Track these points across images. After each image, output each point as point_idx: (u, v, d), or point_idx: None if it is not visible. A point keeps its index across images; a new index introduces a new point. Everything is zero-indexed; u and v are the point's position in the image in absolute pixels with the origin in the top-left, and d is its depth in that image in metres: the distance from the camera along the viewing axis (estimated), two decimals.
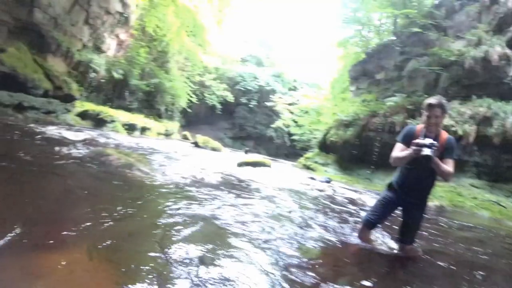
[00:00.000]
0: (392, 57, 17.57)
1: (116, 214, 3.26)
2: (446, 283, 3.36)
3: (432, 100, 3.42)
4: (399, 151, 3.55)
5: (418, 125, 3.64)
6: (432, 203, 9.13)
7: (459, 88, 13.21)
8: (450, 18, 15.74)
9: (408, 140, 3.48)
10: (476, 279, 3.49)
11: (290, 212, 5.09)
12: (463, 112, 11.65)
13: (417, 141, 3.24)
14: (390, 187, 3.79)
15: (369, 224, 3.79)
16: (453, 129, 11.33)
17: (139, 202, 4.02)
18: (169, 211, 3.71)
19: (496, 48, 11.71)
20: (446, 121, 11.68)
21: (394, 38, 19.41)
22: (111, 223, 2.98)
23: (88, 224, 2.84)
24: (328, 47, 30.30)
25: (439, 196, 10.21)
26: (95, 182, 4.69)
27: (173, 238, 2.92)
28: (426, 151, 3.13)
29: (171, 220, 3.42)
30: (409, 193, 3.59)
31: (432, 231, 5.44)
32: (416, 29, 15.82)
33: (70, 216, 3.10)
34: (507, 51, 11.47)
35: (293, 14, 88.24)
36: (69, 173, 4.88)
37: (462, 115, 11.59)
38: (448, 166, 3.30)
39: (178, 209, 3.88)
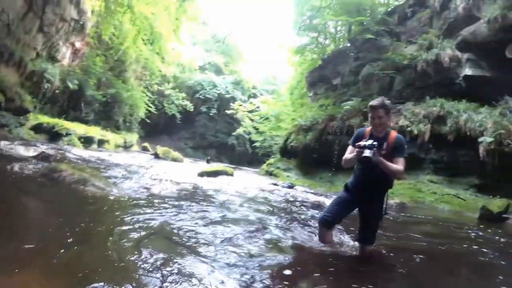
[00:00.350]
0: (347, 62, 18.19)
1: (67, 232, 3.14)
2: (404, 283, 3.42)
3: (374, 102, 3.54)
4: (348, 153, 3.68)
5: (368, 127, 3.70)
6: (393, 200, 9.44)
7: (412, 90, 13.89)
8: (403, 24, 16.57)
9: (356, 141, 3.59)
10: (435, 271, 3.64)
11: (247, 217, 5.06)
12: (417, 113, 12.22)
13: (358, 143, 3.40)
14: (346, 187, 3.84)
15: (325, 222, 3.76)
16: (409, 129, 11.90)
17: (91, 219, 3.88)
18: (120, 226, 3.60)
19: (447, 51, 12.42)
20: (401, 121, 12.29)
21: (349, 44, 20.14)
22: (61, 242, 2.88)
23: (35, 244, 2.76)
24: (285, 53, 30.73)
25: (400, 193, 10.63)
26: (46, 200, 4.55)
27: (125, 250, 2.89)
28: (366, 153, 3.26)
29: (121, 235, 3.31)
30: (363, 193, 3.63)
31: (391, 226, 5.63)
32: (370, 36, 16.47)
33: (16, 237, 2.96)
34: (458, 53, 12.18)
35: (250, 20, 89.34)
36: (19, 192, 4.70)
37: (417, 115, 12.16)
38: (398, 164, 3.37)
39: (130, 223, 3.78)
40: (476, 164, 10.01)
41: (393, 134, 3.53)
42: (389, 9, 18.73)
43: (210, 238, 3.60)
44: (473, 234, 5.91)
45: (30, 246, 2.67)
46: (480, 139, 9.72)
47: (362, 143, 3.36)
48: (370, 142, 3.31)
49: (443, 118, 11.40)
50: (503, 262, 4.18)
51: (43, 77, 15.00)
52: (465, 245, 4.86)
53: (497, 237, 5.72)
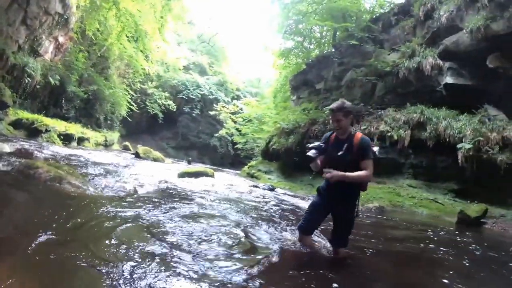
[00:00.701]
0: (331, 67, 18.38)
1: (38, 231, 3.07)
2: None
3: (333, 105, 3.62)
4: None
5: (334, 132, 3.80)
6: (372, 204, 9.60)
7: (394, 96, 14.15)
8: (387, 32, 16.89)
9: (325, 145, 3.73)
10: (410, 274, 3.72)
11: (223, 216, 5.04)
12: (398, 118, 12.47)
13: (307, 144, 3.70)
14: (318, 191, 3.88)
15: (302, 230, 3.88)
16: (389, 134, 12.13)
17: (63, 217, 3.78)
18: (91, 226, 3.56)
19: (428, 59, 12.67)
20: (382, 126, 12.50)
21: (334, 50, 20.37)
22: (32, 240, 2.83)
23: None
24: (270, 56, 30.86)
25: (379, 197, 10.79)
26: (20, 197, 4.45)
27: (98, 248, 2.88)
28: (310, 153, 3.55)
29: (89, 229, 3.30)
30: (333, 196, 3.65)
31: (367, 229, 5.69)
32: (354, 42, 16.71)
33: None
34: (439, 61, 12.43)
35: (236, 22, 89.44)
36: None
37: (397, 121, 12.41)
38: (368, 167, 3.42)
39: (102, 222, 3.75)
40: (454, 170, 10.25)
41: (358, 135, 3.56)
42: (374, 17, 19.06)
43: (179, 233, 3.67)
44: (448, 237, 6.05)
45: None
46: (459, 146, 9.97)
47: (309, 145, 3.69)
48: (316, 144, 3.66)
49: (423, 124, 11.66)
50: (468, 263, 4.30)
51: (24, 72, 14.64)
52: (442, 248, 4.94)
53: (471, 240, 5.87)
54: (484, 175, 9.40)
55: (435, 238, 5.90)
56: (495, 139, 9.30)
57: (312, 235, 4.06)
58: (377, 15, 19.23)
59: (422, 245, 5.17)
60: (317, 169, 3.75)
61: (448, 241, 5.77)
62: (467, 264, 4.30)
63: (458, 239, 6.05)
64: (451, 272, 3.80)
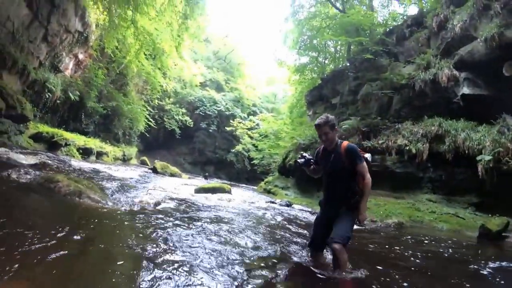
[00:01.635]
0: (346, 82, 18.32)
1: (58, 247, 3.08)
2: None
3: (318, 120, 3.79)
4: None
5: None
6: (391, 220, 9.39)
7: (410, 109, 13.95)
8: (401, 45, 16.78)
9: (316, 158, 4.03)
10: None
11: (241, 235, 4.96)
12: (415, 132, 12.27)
13: (300, 152, 4.17)
14: (320, 205, 4.07)
15: (311, 246, 4.02)
16: (407, 147, 11.94)
17: (83, 232, 3.77)
18: (107, 240, 3.60)
19: (444, 70, 12.50)
20: (400, 140, 12.31)
21: (348, 64, 20.37)
22: (51, 256, 2.85)
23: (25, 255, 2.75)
24: (285, 72, 31.07)
25: (398, 213, 10.56)
26: (39, 210, 4.52)
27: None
28: (299, 161, 4.06)
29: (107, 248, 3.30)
30: (330, 205, 3.82)
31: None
32: (368, 56, 16.67)
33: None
34: (455, 72, 12.25)
35: (251, 39, 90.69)
36: (13, 201, 4.66)
37: (415, 134, 12.21)
38: (362, 171, 3.62)
39: (123, 238, 3.77)
40: (474, 183, 9.97)
41: (344, 144, 3.76)
42: (388, 30, 19.03)
43: (199, 252, 3.63)
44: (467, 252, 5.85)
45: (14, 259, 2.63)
46: (478, 158, 9.70)
47: (303, 153, 4.13)
48: (303, 154, 4.12)
49: (441, 137, 11.43)
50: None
51: (45, 87, 15.04)
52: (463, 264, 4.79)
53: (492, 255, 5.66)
54: (505, 187, 9.07)
55: (456, 255, 5.70)
56: None
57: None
58: (391, 28, 19.21)
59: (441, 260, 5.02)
60: (312, 174, 4.13)
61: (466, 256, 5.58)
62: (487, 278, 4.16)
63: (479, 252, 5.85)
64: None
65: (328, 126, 3.72)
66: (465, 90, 11.66)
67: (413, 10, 22.64)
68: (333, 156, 3.74)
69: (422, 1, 20.14)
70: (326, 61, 26.59)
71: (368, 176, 3.61)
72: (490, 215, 9.11)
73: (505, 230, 7.76)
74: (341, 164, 3.67)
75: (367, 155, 3.87)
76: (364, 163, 3.66)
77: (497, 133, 9.97)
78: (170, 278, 2.73)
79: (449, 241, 7.03)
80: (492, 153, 9.41)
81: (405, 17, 19.59)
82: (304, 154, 4.12)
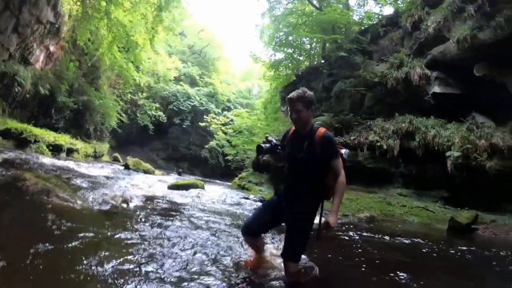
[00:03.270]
0: (321, 79, 18.53)
1: (22, 245, 3.03)
2: None
3: (293, 93, 3.09)
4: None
5: (293, 127, 3.32)
6: (363, 214, 9.56)
7: (382, 106, 14.30)
8: (375, 43, 17.15)
9: (283, 143, 3.32)
10: None
11: (210, 230, 4.88)
12: (387, 128, 12.60)
13: (266, 135, 3.35)
14: (275, 193, 3.43)
15: (242, 230, 3.36)
16: (378, 144, 12.25)
17: (50, 231, 3.68)
18: (80, 240, 3.48)
19: (416, 69, 12.86)
20: (371, 136, 12.59)
21: (323, 61, 20.62)
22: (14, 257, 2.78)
23: None
24: (260, 68, 31.11)
25: (370, 207, 10.78)
26: (4, 211, 4.35)
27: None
28: (263, 146, 3.15)
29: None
30: (287, 198, 3.17)
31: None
32: (343, 53, 16.89)
33: None
34: (427, 71, 12.61)
35: (226, 33, 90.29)
36: None
37: (386, 131, 12.54)
38: (338, 168, 3.01)
39: (91, 235, 3.68)
40: (444, 178, 10.37)
41: (320, 131, 3.06)
42: (363, 28, 19.37)
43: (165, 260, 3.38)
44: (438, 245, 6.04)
45: None
46: (447, 154, 10.10)
47: (268, 136, 3.26)
48: (273, 138, 3.23)
49: (412, 133, 11.78)
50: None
51: (14, 80, 14.48)
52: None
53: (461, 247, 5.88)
54: (474, 182, 9.50)
55: (425, 247, 5.87)
56: (483, 146, 9.43)
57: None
58: (366, 27, 19.56)
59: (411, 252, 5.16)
60: (277, 162, 3.40)
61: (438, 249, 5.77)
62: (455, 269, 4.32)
63: (448, 246, 6.05)
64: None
65: (302, 102, 3.00)
66: (436, 88, 12.05)
67: (388, 10, 23.10)
68: (306, 143, 3.02)
69: (398, 2, 20.57)
70: (301, 58, 26.78)
71: (343, 174, 3.00)
72: (459, 208, 9.51)
73: (474, 223, 8.10)
74: (312, 155, 2.98)
75: (344, 151, 3.28)
76: (340, 159, 3.04)
77: (466, 130, 10.40)
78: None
79: (419, 234, 7.26)
80: (461, 150, 9.81)
81: (380, 17, 19.94)
82: (270, 137, 3.25)
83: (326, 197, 3.16)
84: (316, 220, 3.16)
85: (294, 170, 3.14)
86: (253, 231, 3.31)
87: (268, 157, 3.48)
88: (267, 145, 3.16)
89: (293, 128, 3.27)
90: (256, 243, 3.39)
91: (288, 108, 3.17)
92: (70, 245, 3.40)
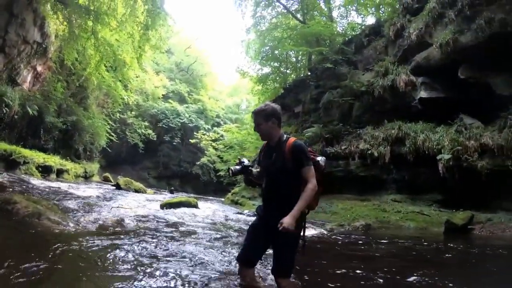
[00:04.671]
0: (308, 90, 18.67)
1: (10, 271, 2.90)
2: None
3: (255, 109, 3.27)
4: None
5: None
6: (358, 222, 9.56)
7: (371, 115, 14.44)
8: (360, 53, 17.37)
9: (258, 158, 3.46)
10: None
11: (208, 255, 4.62)
12: (377, 136, 12.69)
13: (239, 158, 3.41)
14: (256, 211, 3.39)
15: (240, 260, 3.27)
16: (369, 151, 12.33)
17: (38, 256, 3.53)
18: (67, 266, 3.45)
19: (402, 76, 13.04)
20: (362, 145, 12.68)
21: (310, 73, 20.85)
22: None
23: None
24: (248, 82, 31.33)
25: (365, 215, 10.81)
26: None
27: None
28: (232, 168, 3.28)
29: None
30: (270, 215, 3.07)
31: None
32: (329, 65, 17.04)
33: None
34: (412, 77, 12.79)
35: (213, 50, 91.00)
36: None
37: (376, 138, 12.62)
38: (308, 176, 2.93)
39: (84, 257, 3.65)
40: (437, 181, 10.45)
41: (290, 141, 3.04)
42: (347, 39, 19.66)
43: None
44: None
45: None
46: (438, 157, 10.18)
47: (241, 158, 3.37)
48: (245, 160, 3.33)
49: (401, 139, 11.87)
50: None
51: (2, 101, 14.24)
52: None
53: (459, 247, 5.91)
54: (466, 182, 9.57)
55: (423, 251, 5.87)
56: (473, 147, 9.53)
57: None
58: (350, 37, 19.85)
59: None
60: (258, 181, 3.35)
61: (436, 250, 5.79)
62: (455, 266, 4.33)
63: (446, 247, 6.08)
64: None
65: (261, 115, 3.10)
66: (423, 94, 12.20)
67: (370, 20, 23.51)
68: (274, 154, 3.07)
69: (380, 11, 21.02)
70: (288, 71, 27.06)
71: (313, 182, 2.90)
72: (454, 210, 9.57)
73: (470, 223, 8.16)
74: (283, 164, 2.97)
75: (320, 158, 3.22)
76: (312, 167, 2.97)
77: (455, 132, 10.51)
78: None
79: (416, 238, 7.28)
80: (451, 152, 9.90)
81: (363, 27, 20.34)
82: (243, 159, 3.35)
83: (310, 208, 3.14)
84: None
85: (270, 183, 3.13)
86: (250, 260, 3.21)
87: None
88: (237, 167, 3.28)
89: (266, 142, 3.31)
90: (249, 272, 3.23)
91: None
92: (61, 266, 3.34)
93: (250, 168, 3.32)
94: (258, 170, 3.40)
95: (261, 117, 3.11)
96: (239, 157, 3.57)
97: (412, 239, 7.10)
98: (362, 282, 3.74)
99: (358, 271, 4.10)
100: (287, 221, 2.75)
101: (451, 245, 6.33)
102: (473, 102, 11.15)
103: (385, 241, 6.99)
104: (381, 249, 6.11)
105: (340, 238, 7.30)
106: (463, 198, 9.74)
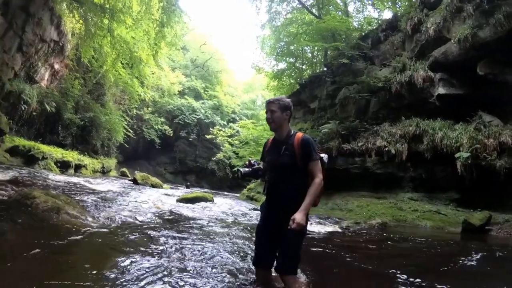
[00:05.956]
0: (324, 86, 18.48)
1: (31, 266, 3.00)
2: None
3: (271, 98, 3.31)
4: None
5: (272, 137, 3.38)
6: (375, 221, 9.48)
7: (388, 111, 14.22)
8: (376, 48, 17.04)
9: (263, 153, 3.41)
10: None
11: (225, 245, 4.82)
12: (394, 133, 12.48)
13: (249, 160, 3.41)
14: (261, 209, 3.42)
15: (254, 264, 3.31)
16: (386, 149, 12.15)
17: (60, 250, 3.68)
18: (88, 258, 3.49)
19: (419, 72, 12.70)
20: (379, 142, 12.49)
21: (325, 69, 20.63)
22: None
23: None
24: (263, 78, 31.22)
25: (381, 213, 10.71)
26: (15, 229, 4.33)
27: None
28: (242, 170, 3.27)
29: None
30: (275, 211, 3.13)
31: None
32: (345, 60, 16.82)
33: None
34: (430, 73, 12.47)
35: (228, 46, 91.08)
36: None
37: (394, 135, 12.42)
38: (315, 170, 2.97)
39: (103, 251, 3.72)
40: (454, 179, 10.22)
41: (299, 135, 3.10)
42: (363, 34, 19.33)
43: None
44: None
45: None
46: (457, 155, 9.95)
47: (251, 160, 3.40)
48: (255, 162, 3.33)
49: (419, 136, 11.65)
50: None
51: (20, 98, 14.58)
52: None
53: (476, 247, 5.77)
54: (485, 182, 9.37)
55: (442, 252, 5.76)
56: (492, 145, 9.31)
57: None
58: (366, 32, 19.48)
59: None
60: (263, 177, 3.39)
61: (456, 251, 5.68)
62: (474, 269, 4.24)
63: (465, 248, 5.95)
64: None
65: (277, 104, 3.12)
66: (441, 90, 11.94)
67: (387, 15, 23.09)
68: (284, 148, 3.06)
69: (396, 5, 20.60)
70: (304, 67, 26.83)
71: (320, 176, 2.95)
72: (471, 210, 9.37)
73: (488, 224, 7.98)
74: (292, 159, 3.00)
75: (323, 155, 3.22)
76: (319, 161, 3.03)
77: (474, 130, 10.24)
78: None
79: (433, 238, 7.15)
80: (470, 150, 9.67)
81: (379, 22, 19.92)
82: (253, 160, 3.36)
83: (314, 204, 3.06)
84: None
85: (275, 177, 3.14)
86: (264, 262, 3.19)
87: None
88: (247, 169, 3.29)
89: (271, 138, 3.35)
90: (265, 274, 3.23)
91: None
92: (82, 261, 3.41)
93: (260, 172, 3.33)
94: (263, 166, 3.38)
95: (277, 106, 3.12)
96: (250, 158, 3.56)
97: (429, 239, 6.97)
98: (378, 282, 3.71)
99: (371, 268, 4.06)
100: (298, 217, 2.77)
101: (471, 245, 6.18)
102: (492, 99, 10.85)
103: (402, 240, 6.89)
104: (398, 248, 6.03)
105: (356, 236, 7.24)
106: (480, 197, 9.54)
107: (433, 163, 11.02)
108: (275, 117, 3.11)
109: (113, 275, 2.99)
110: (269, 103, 3.18)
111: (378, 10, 23.20)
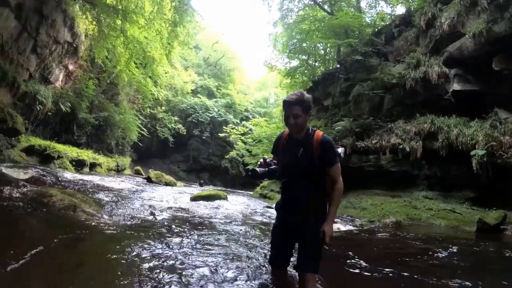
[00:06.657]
0: (337, 83, 18.35)
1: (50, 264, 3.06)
2: None
3: (290, 96, 2.84)
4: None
5: (286, 130, 3.09)
6: (389, 219, 9.38)
7: (402, 108, 14.02)
8: (390, 44, 16.82)
9: (275, 149, 3.16)
10: None
11: (238, 243, 4.83)
12: (408, 130, 12.31)
13: (260, 160, 3.23)
14: (276, 208, 3.24)
15: (270, 263, 3.26)
16: (401, 146, 11.99)
17: (76, 248, 3.75)
18: (105, 257, 3.52)
19: (434, 68, 12.52)
20: (393, 139, 12.34)
21: (339, 66, 20.47)
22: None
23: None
24: (276, 76, 31.14)
25: (395, 211, 10.58)
26: (32, 226, 4.42)
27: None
28: (258, 170, 3.04)
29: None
30: (290, 211, 3.01)
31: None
32: (358, 57, 16.68)
33: None
34: (445, 69, 12.28)
35: (240, 44, 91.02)
36: (7, 217, 4.56)
37: (408, 132, 12.25)
38: (335, 175, 2.85)
39: (121, 249, 3.71)
40: (469, 178, 10.02)
41: (318, 134, 2.86)
42: (376, 30, 19.12)
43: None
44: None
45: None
46: (472, 153, 9.76)
47: (266, 158, 3.20)
48: (272, 161, 3.13)
49: (434, 134, 11.47)
50: None
51: (35, 99, 14.77)
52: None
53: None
54: (500, 180, 9.16)
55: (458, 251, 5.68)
56: (508, 143, 9.08)
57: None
58: (379, 28, 19.27)
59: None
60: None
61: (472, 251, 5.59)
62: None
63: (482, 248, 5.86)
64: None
65: (301, 106, 2.78)
66: (456, 86, 11.72)
67: (400, 10, 22.80)
68: (302, 149, 2.83)
69: (409, 0, 20.28)
70: (317, 64, 26.68)
71: (341, 180, 2.83)
72: (486, 209, 9.19)
73: (503, 223, 7.81)
74: (310, 160, 2.80)
75: (340, 149, 3.16)
76: (339, 164, 2.88)
77: (490, 127, 10.02)
78: None
79: (449, 237, 7.05)
80: (485, 148, 9.47)
81: (393, 17, 19.67)
82: (268, 159, 3.17)
83: (327, 200, 2.98)
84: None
85: (292, 178, 2.96)
86: (279, 261, 3.15)
87: None
88: (263, 169, 3.08)
89: (285, 133, 3.09)
90: (282, 273, 3.20)
91: (284, 112, 2.90)
92: (100, 259, 3.47)
93: (276, 171, 3.10)
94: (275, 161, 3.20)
95: (301, 109, 2.79)
96: (265, 156, 3.35)
97: (444, 238, 6.88)
98: (392, 282, 3.68)
99: (387, 269, 4.02)
100: (328, 230, 2.75)
101: (486, 244, 6.08)
102: (508, 96, 10.59)
103: (417, 239, 6.81)
104: (414, 247, 5.96)
105: (371, 234, 7.19)
106: (496, 196, 9.34)
107: (448, 161, 10.83)
108: (299, 122, 2.82)
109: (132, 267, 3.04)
110: (290, 105, 2.80)
111: (391, 5, 22.87)
